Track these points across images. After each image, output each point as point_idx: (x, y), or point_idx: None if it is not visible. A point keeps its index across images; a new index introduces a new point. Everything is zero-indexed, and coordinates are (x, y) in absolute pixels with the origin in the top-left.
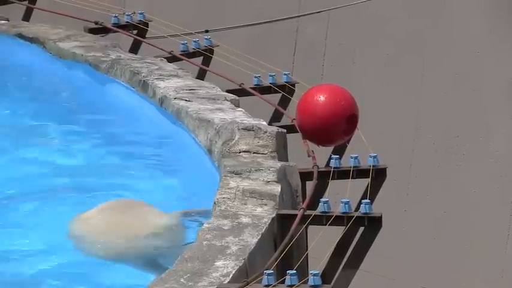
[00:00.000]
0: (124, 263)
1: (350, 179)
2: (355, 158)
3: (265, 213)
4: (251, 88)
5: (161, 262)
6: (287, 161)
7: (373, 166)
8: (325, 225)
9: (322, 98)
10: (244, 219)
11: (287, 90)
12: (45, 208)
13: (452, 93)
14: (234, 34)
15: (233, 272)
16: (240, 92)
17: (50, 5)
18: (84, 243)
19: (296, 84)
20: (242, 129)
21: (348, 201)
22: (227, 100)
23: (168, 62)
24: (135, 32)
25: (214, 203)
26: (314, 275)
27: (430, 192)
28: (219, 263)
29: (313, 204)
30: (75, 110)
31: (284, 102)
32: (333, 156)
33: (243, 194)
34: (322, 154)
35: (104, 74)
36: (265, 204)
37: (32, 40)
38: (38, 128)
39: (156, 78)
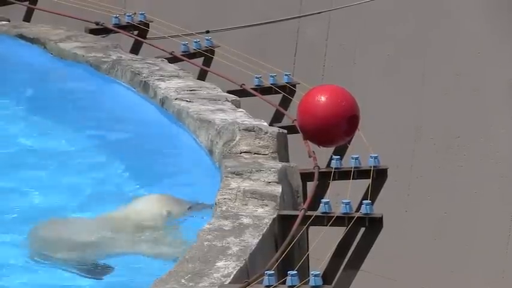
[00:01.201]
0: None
1: (351, 180)
2: (356, 158)
3: (266, 213)
4: (252, 89)
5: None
6: (288, 161)
7: (374, 167)
8: (326, 225)
9: (323, 98)
10: (245, 220)
11: (288, 90)
12: (45, 206)
13: (453, 94)
14: (235, 35)
15: (234, 272)
16: (241, 92)
17: (51, 6)
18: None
19: (297, 85)
20: (243, 129)
21: (349, 202)
22: (228, 101)
23: (169, 62)
24: (135, 32)
25: (215, 203)
26: (315, 275)
27: (430, 193)
28: (220, 264)
29: (314, 205)
30: (75, 110)
31: (285, 103)
32: (333, 156)
33: (244, 195)
34: (323, 155)
35: (104, 74)
36: (266, 205)
37: (33, 41)
38: (37, 128)
39: (157, 79)
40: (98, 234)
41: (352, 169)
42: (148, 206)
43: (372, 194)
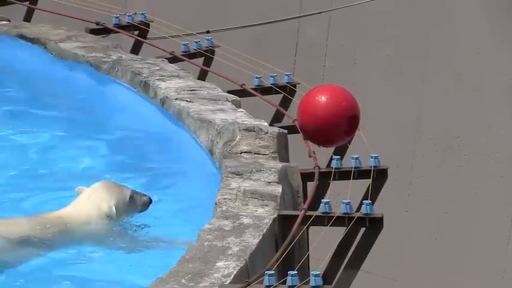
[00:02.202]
0: None
1: (351, 180)
2: (356, 158)
3: (267, 213)
4: (252, 89)
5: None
6: (288, 161)
7: (374, 167)
8: (327, 225)
9: (323, 98)
10: (246, 220)
11: (288, 90)
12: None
13: (453, 94)
14: (235, 35)
15: (234, 272)
16: (241, 92)
17: (51, 6)
18: None
19: (297, 85)
20: (243, 129)
21: (349, 202)
22: (228, 101)
23: (169, 62)
24: (136, 32)
25: (216, 203)
26: (315, 275)
27: (431, 193)
28: (220, 264)
29: (314, 205)
30: (76, 111)
31: (285, 103)
32: (334, 156)
33: (244, 195)
34: (323, 155)
35: (105, 74)
36: (267, 205)
37: (33, 41)
38: (38, 128)
39: (157, 79)
40: (29, 235)
41: (353, 169)
42: (87, 203)
43: (372, 194)
